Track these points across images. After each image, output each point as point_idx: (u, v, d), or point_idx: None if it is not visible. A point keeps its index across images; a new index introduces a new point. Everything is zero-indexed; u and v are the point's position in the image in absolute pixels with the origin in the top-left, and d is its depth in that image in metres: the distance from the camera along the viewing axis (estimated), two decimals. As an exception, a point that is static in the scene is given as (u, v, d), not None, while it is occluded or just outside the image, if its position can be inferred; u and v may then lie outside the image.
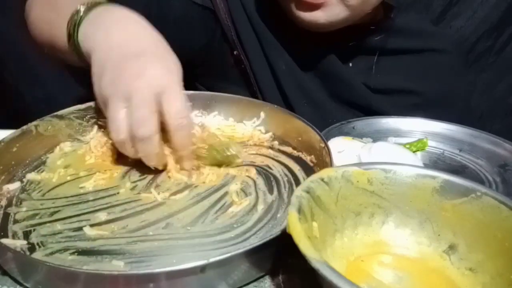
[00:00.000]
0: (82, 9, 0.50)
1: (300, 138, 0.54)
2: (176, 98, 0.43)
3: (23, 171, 0.48)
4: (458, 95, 0.77)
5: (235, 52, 0.68)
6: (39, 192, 0.44)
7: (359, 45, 0.70)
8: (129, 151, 0.45)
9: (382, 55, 0.71)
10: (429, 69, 0.74)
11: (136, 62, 0.43)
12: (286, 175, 0.49)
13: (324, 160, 0.46)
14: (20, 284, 0.34)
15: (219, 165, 0.49)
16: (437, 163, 0.57)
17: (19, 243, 0.37)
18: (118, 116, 0.42)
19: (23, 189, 0.45)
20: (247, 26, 0.68)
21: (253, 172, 0.49)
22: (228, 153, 0.47)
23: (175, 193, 0.45)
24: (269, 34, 0.68)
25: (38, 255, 0.36)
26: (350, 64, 0.72)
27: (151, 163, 0.45)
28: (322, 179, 0.34)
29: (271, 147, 0.55)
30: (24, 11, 0.65)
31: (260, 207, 0.43)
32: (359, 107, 0.70)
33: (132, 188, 0.45)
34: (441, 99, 0.74)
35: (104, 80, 0.44)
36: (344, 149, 0.52)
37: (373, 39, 0.70)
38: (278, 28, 0.67)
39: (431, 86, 0.73)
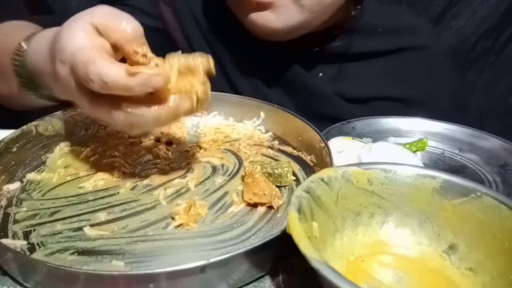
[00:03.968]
0: (23, 43, 0.46)
1: (300, 138, 0.54)
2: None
3: (23, 171, 0.48)
4: (440, 93, 0.72)
5: None
6: (39, 192, 0.44)
7: (325, 52, 0.66)
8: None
9: (352, 60, 0.67)
10: (406, 70, 0.69)
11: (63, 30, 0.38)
12: (286, 175, 0.49)
13: (324, 160, 0.46)
14: (20, 284, 0.34)
15: (271, 181, 0.46)
16: (437, 163, 0.57)
17: (19, 243, 0.37)
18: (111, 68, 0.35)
19: (23, 189, 0.45)
20: (204, 45, 0.65)
21: (253, 172, 0.49)
22: (276, 171, 0.46)
23: (175, 193, 0.45)
24: (226, 51, 0.64)
25: (38, 255, 0.36)
26: (320, 74, 0.68)
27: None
28: (322, 179, 0.34)
29: (271, 147, 0.55)
30: None
31: (260, 207, 0.43)
32: (332, 119, 0.63)
33: (132, 188, 0.45)
34: (421, 101, 0.70)
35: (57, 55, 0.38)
36: (344, 149, 0.52)
37: (339, 43, 0.66)
38: (236, 44, 0.64)
39: (409, 88, 0.69)
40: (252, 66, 0.65)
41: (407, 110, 0.67)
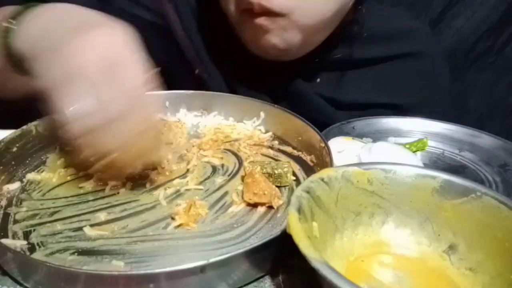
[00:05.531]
0: (14, 14, 0.42)
1: (300, 138, 0.54)
2: (132, 70, 0.35)
3: (23, 171, 0.48)
4: (438, 100, 0.72)
5: (196, 71, 0.65)
6: (39, 192, 0.44)
7: (323, 61, 0.66)
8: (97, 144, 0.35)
9: (350, 68, 0.68)
10: (403, 77, 0.70)
11: (74, 37, 0.34)
12: (286, 175, 0.49)
13: (324, 160, 0.46)
14: (20, 284, 0.34)
15: (271, 181, 0.46)
16: (437, 163, 0.57)
17: (19, 243, 0.37)
18: (64, 100, 0.33)
19: (23, 189, 0.45)
20: (205, 43, 0.66)
21: (253, 172, 0.49)
22: (276, 172, 0.46)
23: (175, 193, 0.45)
24: (227, 56, 0.65)
25: (38, 255, 0.36)
26: (318, 80, 0.68)
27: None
28: (322, 179, 0.34)
29: (271, 147, 0.55)
30: None
31: (260, 207, 0.43)
32: (325, 126, 0.62)
33: (132, 188, 0.45)
34: (418, 108, 0.70)
35: (37, 69, 0.35)
36: (344, 149, 0.52)
37: (337, 52, 0.66)
38: (235, 51, 0.64)
39: (406, 95, 0.69)
40: (249, 70, 0.66)
41: (404, 116, 0.66)
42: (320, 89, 0.68)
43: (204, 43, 0.66)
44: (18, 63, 0.42)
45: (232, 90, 0.67)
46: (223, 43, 0.65)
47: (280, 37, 0.57)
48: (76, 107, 0.32)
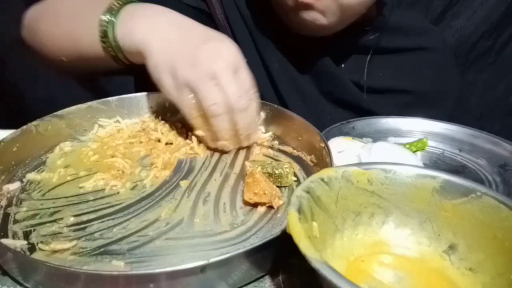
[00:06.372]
0: (113, 7, 0.53)
1: (300, 138, 0.54)
2: (247, 75, 0.49)
3: (23, 171, 0.48)
4: (449, 92, 0.78)
5: None
6: (39, 192, 0.44)
7: (352, 44, 0.72)
8: (226, 125, 0.48)
9: (375, 54, 0.72)
10: (420, 68, 0.75)
11: (208, 45, 0.48)
12: (286, 175, 0.49)
13: (324, 160, 0.46)
14: (20, 284, 0.34)
15: (272, 181, 0.46)
16: (437, 163, 0.57)
17: (19, 243, 0.37)
18: (214, 93, 0.46)
19: (23, 189, 0.45)
20: (242, 26, 0.69)
21: (253, 172, 0.49)
22: (277, 172, 0.46)
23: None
24: (262, 34, 0.69)
25: (38, 255, 0.36)
26: (343, 65, 0.73)
27: (249, 130, 0.51)
28: (322, 179, 0.34)
29: (271, 147, 0.55)
30: (24, 30, 0.65)
31: (260, 207, 0.43)
32: (351, 106, 0.71)
33: (132, 188, 0.45)
34: (431, 97, 0.75)
35: (181, 67, 0.47)
36: (344, 149, 0.52)
37: (366, 38, 0.71)
38: (271, 28, 0.69)
39: (422, 84, 0.75)
40: (283, 48, 0.70)
41: (419, 103, 0.74)
42: (347, 71, 0.73)
43: (244, 30, 0.70)
44: (115, 52, 0.54)
45: (266, 68, 0.71)
46: (260, 23, 0.69)
47: (321, 15, 0.61)
48: (218, 99, 0.47)
